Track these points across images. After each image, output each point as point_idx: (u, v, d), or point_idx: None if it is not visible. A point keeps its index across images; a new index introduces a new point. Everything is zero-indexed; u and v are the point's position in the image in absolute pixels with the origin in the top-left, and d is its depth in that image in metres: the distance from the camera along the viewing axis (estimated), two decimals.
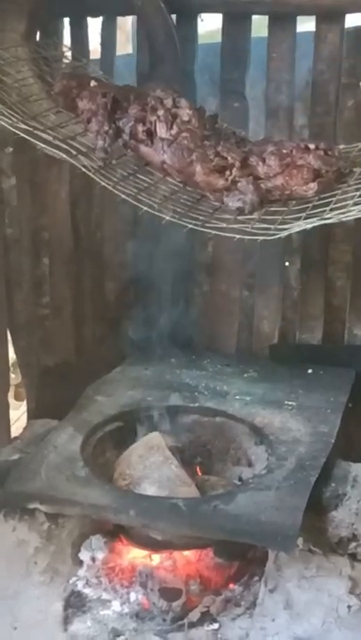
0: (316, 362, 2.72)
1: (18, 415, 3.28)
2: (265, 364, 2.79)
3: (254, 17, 2.62)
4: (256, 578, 2.06)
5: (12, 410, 3.11)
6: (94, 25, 2.84)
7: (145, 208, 1.95)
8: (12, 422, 3.06)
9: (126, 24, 3.76)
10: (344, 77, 2.61)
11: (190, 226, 1.93)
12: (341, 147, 2.19)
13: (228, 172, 2.01)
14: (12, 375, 3.19)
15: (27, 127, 1.99)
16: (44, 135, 2.00)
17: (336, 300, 2.85)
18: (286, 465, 2.14)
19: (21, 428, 2.79)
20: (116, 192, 1.96)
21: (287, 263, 2.88)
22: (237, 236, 1.92)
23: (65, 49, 2.62)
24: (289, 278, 2.91)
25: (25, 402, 3.26)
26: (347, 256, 2.82)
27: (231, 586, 2.07)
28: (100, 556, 2.10)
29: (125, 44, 3.62)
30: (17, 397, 3.40)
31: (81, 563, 2.11)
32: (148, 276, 2.94)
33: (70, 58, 2.56)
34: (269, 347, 2.88)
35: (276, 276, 2.86)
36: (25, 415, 3.20)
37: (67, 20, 2.78)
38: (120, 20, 2.85)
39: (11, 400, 3.12)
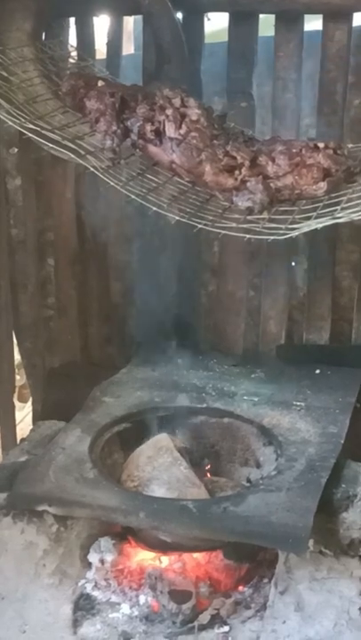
0: (324, 362, 2.71)
1: (22, 416, 3.28)
2: (272, 364, 2.77)
3: (261, 16, 2.61)
4: (266, 580, 2.05)
5: (17, 411, 3.11)
6: (98, 25, 2.83)
7: (154, 208, 1.94)
8: (16, 424, 3.06)
9: (128, 24, 3.75)
10: (351, 76, 2.60)
11: (200, 226, 1.92)
12: (350, 145, 2.18)
13: (237, 172, 2.00)
14: (17, 376, 3.18)
15: (35, 127, 1.98)
16: (51, 135, 1.99)
17: (343, 299, 2.85)
18: (296, 466, 2.13)
19: (25, 429, 2.78)
20: (125, 192, 1.95)
21: (294, 263, 2.87)
22: (247, 236, 1.91)
23: (71, 48, 2.61)
24: (295, 278, 2.90)
25: (29, 403, 3.26)
26: (354, 256, 2.82)
27: (241, 588, 2.06)
28: (108, 558, 2.09)
29: (127, 44, 3.60)
30: (21, 399, 3.40)
31: (90, 565, 2.10)
32: (153, 277, 2.93)
33: (76, 58, 2.55)
34: (276, 347, 2.87)
35: (283, 276, 2.85)
36: (29, 416, 3.20)
37: (72, 20, 2.77)
38: None
39: (15, 401, 3.12)
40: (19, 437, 2.89)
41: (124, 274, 3.04)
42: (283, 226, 1.88)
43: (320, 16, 2.55)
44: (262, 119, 2.72)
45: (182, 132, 2.03)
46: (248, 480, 2.33)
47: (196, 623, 1.96)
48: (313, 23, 2.62)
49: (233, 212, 1.99)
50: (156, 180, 2.06)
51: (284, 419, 2.38)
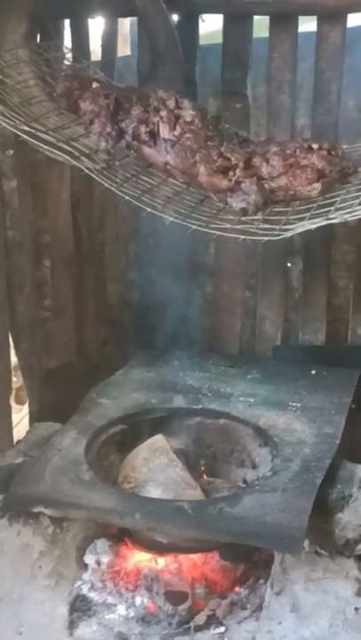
0: (320, 363, 2.71)
1: (19, 419, 3.27)
2: (268, 365, 2.78)
3: (256, 17, 2.61)
4: (262, 581, 2.04)
5: (14, 413, 3.10)
6: (93, 27, 2.84)
7: (149, 209, 1.94)
8: (13, 426, 3.05)
9: (124, 26, 3.75)
10: (346, 77, 2.60)
11: (194, 227, 1.92)
12: (345, 146, 2.18)
13: (231, 173, 2.01)
14: (14, 379, 3.17)
15: (29, 129, 1.98)
16: (46, 137, 1.99)
17: (339, 300, 2.85)
18: (291, 467, 2.13)
19: (22, 431, 2.78)
20: (119, 193, 1.96)
21: (289, 264, 2.88)
22: (242, 237, 1.91)
23: (66, 50, 2.61)
24: (291, 279, 2.91)
25: (26, 405, 3.26)
26: (349, 256, 2.82)
27: (237, 589, 2.05)
28: (105, 559, 2.08)
29: (122, 46, 3.61)
30: (18, 401, 3.39)
31: (86, 566, 2.09)
32: (149, 278, 2.94)
33: (71, 59, 2.55)
34: (273, 348, 2.87)
35: (279, 277, 2.86)
36: (26, 418, 3.19)
37: (67, 22, 2.77)
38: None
39: (12, 403, 3.11)
40: (15, 440, 2.89)
41: (120, 275, 3.05)
42: (277, 226, 1.89)
43: (314, 17, 2.56)
44: (257, 120, 2.73)
45: (176, 133, 2.04)
46: (244, 481, 2.33)
47: (192, 624, 1.95)
48: (307, 25, 2.63)
49: (227, 213, 1.99)
50: (150, 181, 2.06)
51: (279, 419, 2.37)
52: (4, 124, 2.00)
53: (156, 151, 2.06)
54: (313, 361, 2.73)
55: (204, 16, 2.67)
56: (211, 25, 2.73)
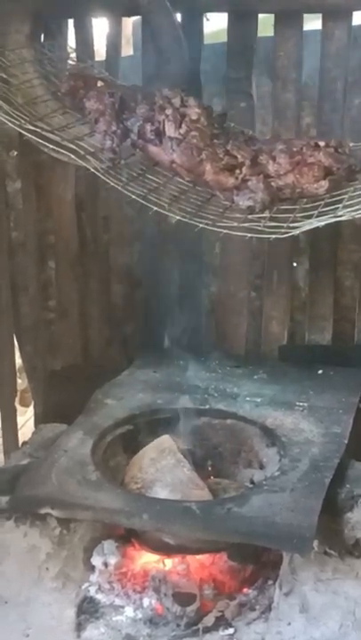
0: (327, 362, 2.70)
1: (24, 421, 3.27)
2: (275, 365, 2.77)
3: (260, 15, 2.60)
4: (271, 581, 2.03)
5: (18, 415, 3.09)
6: (97, 27, 2.83)
7: (155, 208, 1.93)
8: (18, 428, 3.04)
9: (126, 27, 3.74)
10: (351, 75, 2.59)
11: (201, 225, 1.91)
12: (351, 144, 2.17)
13: (238, 171, 2.00)
14: (19, 380, 3.17)
15: (34, 128, 1.97)
16: (51, 136, 1.99)
17: (345, 299, 2.84)
18: (300, 466, 2.12)
19: (27, 434, 2.77)
20: (125, 192, 1.95)
21: (295, 264, 2.86)
22: (249, 235, 1.90)
23: (70, 50, 2.60)
24: (297, 279, 2.89)
25: (31, 407, 3.25)
26: (355, 255, 2.81)
27: (246, 590, 2.04)
28: (112, 561, 2.07)
29: (125, 47, 3.60)
30: (22, 403, 3.39)
31: (93, 568, 2.08)
32: (154, 278, 2.93)
33: (75, 59, 2.54)
34: (279, 348, 2.86)
35: (285, 277, 2.84)
36: (31, 421, 3.19)
37: (71, 22, 2.76)
38: None
39: (17, 405, 3.10)
40: (21, 442, 2.88)
41: (125, 276, 3.03)
42: (284, 224, 1.88)
43: (320, 15, 2.55)
44: (262, 119, 2.72)
45: (182, 131, 2.03)
46: (252, 481, 2.31)
47: (200, 625, 1.94)
48: (312, 23, 2.62)
49: (234, 212, 1.99)
50: (156, 180, 2.06)
51: (287, 419, 2.36)
52: (8, 124, 1.99)
53: (161, 150, 2.05)
54: (320, 360, 2.72)
55: (209, 15, 2.66)
56: (215, 24, 2.72)
